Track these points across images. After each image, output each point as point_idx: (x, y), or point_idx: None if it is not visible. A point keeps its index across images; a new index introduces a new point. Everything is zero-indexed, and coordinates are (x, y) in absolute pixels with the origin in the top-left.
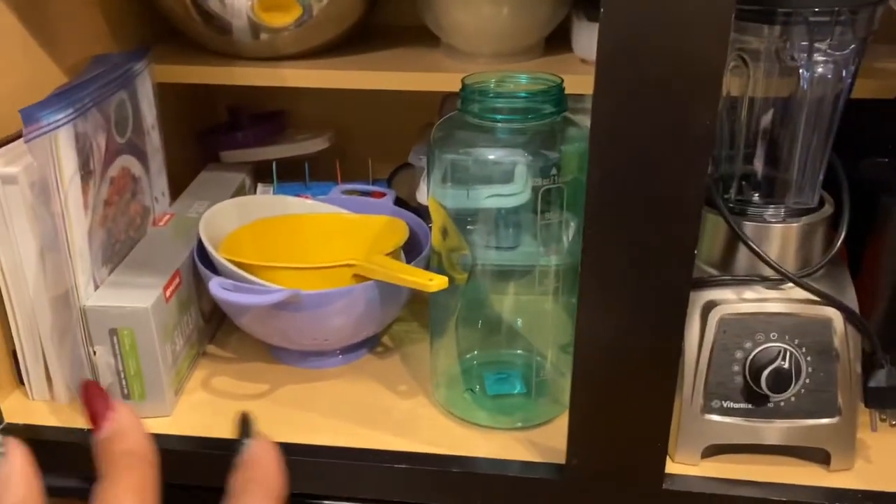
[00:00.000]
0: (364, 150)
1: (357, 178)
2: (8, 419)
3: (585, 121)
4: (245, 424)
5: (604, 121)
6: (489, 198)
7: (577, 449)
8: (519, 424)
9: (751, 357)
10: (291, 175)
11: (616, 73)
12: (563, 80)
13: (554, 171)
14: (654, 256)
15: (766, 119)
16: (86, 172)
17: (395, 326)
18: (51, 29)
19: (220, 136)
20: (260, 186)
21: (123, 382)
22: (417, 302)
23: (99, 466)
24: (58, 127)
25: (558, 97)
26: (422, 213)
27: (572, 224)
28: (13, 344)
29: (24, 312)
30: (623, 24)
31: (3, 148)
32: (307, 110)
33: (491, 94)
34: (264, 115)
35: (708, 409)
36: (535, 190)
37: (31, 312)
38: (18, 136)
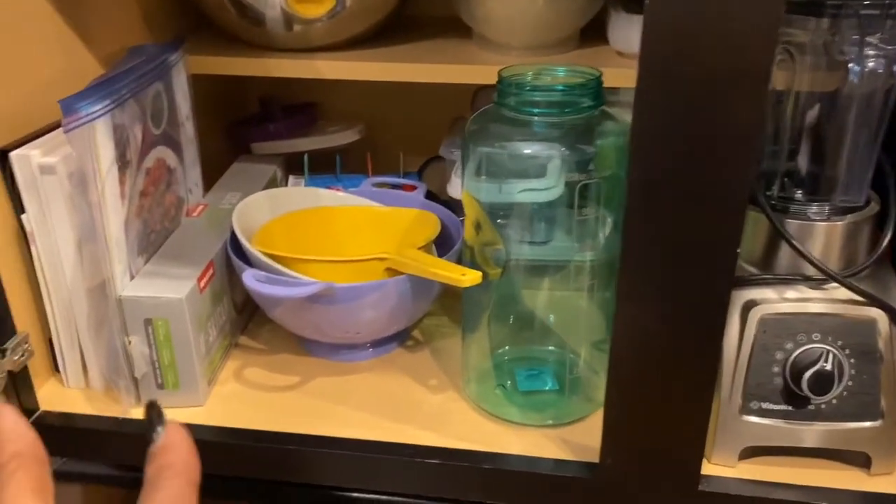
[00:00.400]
0: (394, 143)
1: (387, 170)
2: (43, 407)
3: (621, 114)
4: (154, 412)
5: (647, 116)
6: (522, 192)
7: (611, 448)
8: (550, 422)
9: (792, 358)
10: (322, 167)
11: (660, 68)
12: (601, 74)
13: (591, 166)
14: (696, 254)
15: (812, 114)
16: (123, 163)
17: (425, 320)
18: (86, 19)
19: (251, 127)
20: (291, 178)
21: (157, 372)
22: (448, 296)
23: None
24: (96, 117)
25: (596, 90)
26: (452, 206)
27: (609, 219)
28: (49, 332)
29: (61, 301)
30: (668, 17)
31: (41, 138)
32: (338, 102)
33: (528, 87)
34: (295, 107)
35: (746, 410)
36: (571, 185)
37: (67, 301)
38: (55, 126)
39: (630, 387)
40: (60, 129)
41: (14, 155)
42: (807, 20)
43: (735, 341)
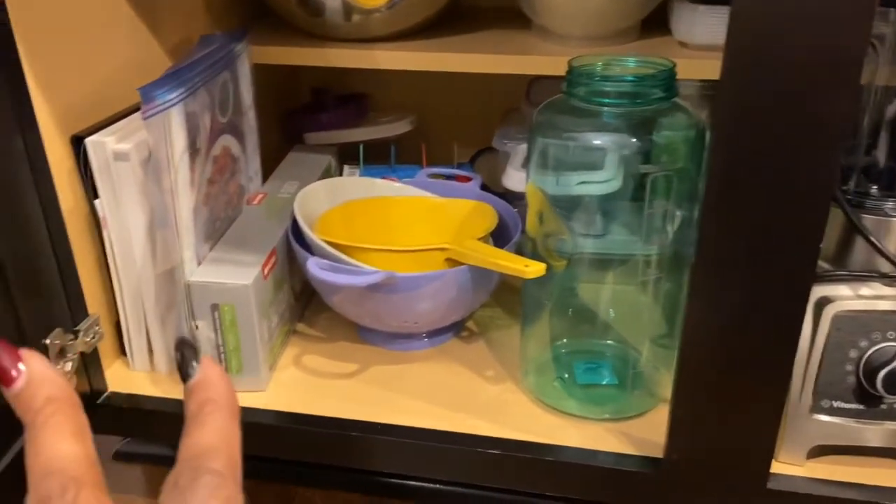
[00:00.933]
0: (446, 134)
1: (438, 161)
2: (111, 388)
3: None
4: (186, 348)
5: (730, 107)
6: (579, 184)
7: (677, 443)
8: (608, 415)
9: (866, 356)
10: (373, 158)
11: (747, 57)
12: (674, 65)
13: (661, 159)
14: (776, 250)
15: (891, 109)
16: (193, 150)
17: (479, 312)
18: (153, 9)
19: (304, 117)
20: (346, 168)
21: (222, 357)
22: (501, 288)
23: (23, 418)
24: (172, 105)
25: (668, 82)
26: (506, 198)
27: (678, 213)
28: (117, 315)
29: (130, 285)
30: (756, 4)
31: (114, 125)
32: (388, 93)
33: (598, 77)
34: (347, 98)
35: (817, 408)
36: (640, 177)
37: (136, 285)
38: (126, 113)
39: (699, 383)
40: (132, 117)
41: (89, 141)
42: (888, 11)
43: (807, 339)
